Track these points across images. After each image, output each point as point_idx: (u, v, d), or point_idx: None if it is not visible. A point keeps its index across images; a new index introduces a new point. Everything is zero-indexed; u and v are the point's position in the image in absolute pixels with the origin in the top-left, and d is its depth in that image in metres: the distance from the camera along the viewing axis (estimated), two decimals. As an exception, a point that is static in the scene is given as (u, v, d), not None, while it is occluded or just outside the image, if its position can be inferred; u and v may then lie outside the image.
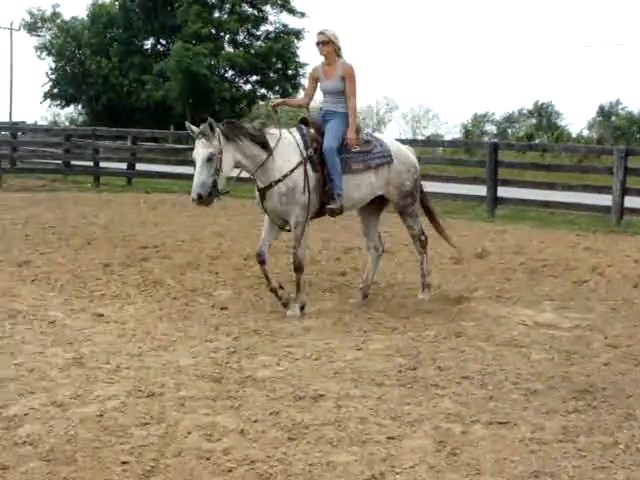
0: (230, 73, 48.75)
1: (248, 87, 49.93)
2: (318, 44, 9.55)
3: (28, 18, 59.27)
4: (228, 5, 46.14)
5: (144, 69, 49.08)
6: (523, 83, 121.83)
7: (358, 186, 9.53)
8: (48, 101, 58.33)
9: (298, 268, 9.31)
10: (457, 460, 5.27)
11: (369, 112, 72.94)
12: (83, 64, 52.30)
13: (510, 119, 79.68)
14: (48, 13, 58.34)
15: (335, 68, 9.52)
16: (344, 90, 9.48)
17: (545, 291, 10.44)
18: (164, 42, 52.48)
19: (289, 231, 9.49)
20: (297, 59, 46.85)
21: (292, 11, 46.94)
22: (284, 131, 9.32)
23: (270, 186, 9.07)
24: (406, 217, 10.14)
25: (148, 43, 52.73)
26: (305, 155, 9.19)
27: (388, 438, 5.60)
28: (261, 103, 50.07)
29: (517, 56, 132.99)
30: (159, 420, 5.90)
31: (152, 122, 47.37)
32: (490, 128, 77.12)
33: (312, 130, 9.50)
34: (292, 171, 9.05)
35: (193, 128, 8.83)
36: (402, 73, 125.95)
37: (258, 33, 47.41)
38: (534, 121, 76.57)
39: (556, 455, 5.38)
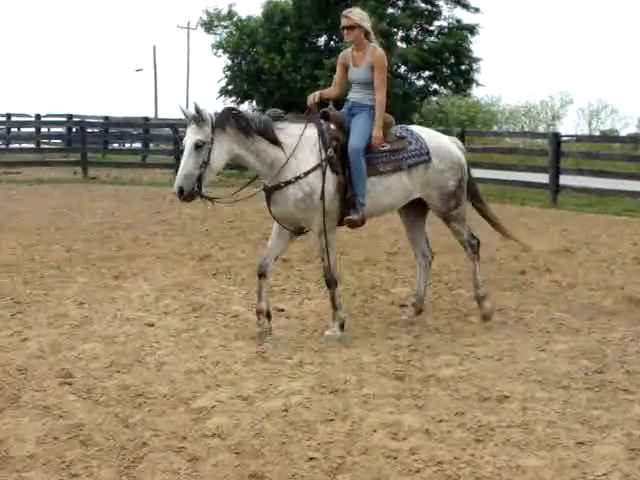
0: (402, 69, 48.60)
1: (420, 82, 49.70)
2: (343, 29, 8.37)
3: (205, 17, 60.67)
4: (401, 1, 45.95)
5: (317, 66, 49.50)
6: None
7: (387, 190, 8.32)
8: (223, 97, 59.65)
9: (329, 282, 8.20)
10: (653, 470, 5.08)
11: (543, 107, 71.46)
12: (257, 61, 53.15)
13: (690, 112, 76.85)
14: (224, 12, 59.54)
15: (364, 55, 8.34)
16: (373, 80, 8.34)
17: None
18: (337, 39, 52.85)
19: (301, 234, 8.73)
20: (471, 54, 46.18)
21: (466, 6, 46.22)
22: (300, 126, 8.08)
23: (279, 187, 7.98)
24: (451, 222, 8.76)
25: (321, 40, 53.18)
26: (324, 155, 8.02)
27: (577, 443, 5.46)
28: (433, 99, 49.76)
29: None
30: (343, 417, 5.93)
31: (324, 118, 47.76)
32: (668, 121, 74.45)
33: (332, 126, 8.25)
34: (308, 173, 7.93)
35: (186, 112, 7.65)
36: (576, 66, 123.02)
37: (431, 28, 46.96)
38: None
39: None
